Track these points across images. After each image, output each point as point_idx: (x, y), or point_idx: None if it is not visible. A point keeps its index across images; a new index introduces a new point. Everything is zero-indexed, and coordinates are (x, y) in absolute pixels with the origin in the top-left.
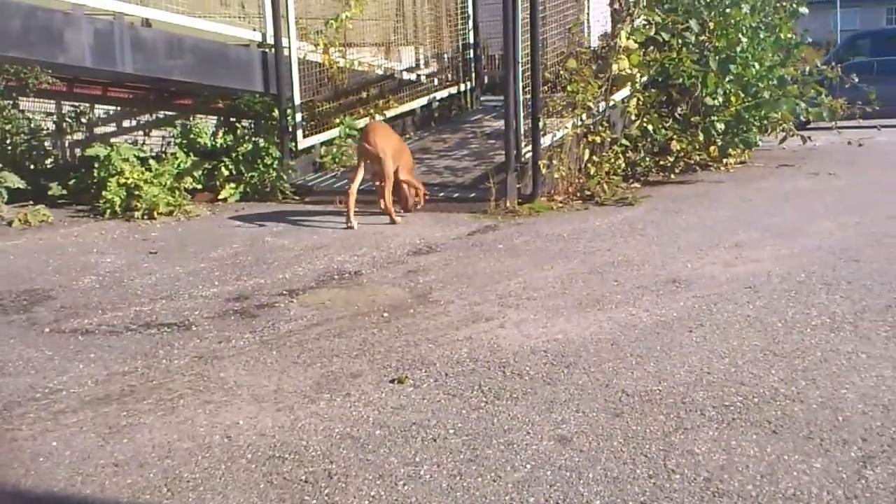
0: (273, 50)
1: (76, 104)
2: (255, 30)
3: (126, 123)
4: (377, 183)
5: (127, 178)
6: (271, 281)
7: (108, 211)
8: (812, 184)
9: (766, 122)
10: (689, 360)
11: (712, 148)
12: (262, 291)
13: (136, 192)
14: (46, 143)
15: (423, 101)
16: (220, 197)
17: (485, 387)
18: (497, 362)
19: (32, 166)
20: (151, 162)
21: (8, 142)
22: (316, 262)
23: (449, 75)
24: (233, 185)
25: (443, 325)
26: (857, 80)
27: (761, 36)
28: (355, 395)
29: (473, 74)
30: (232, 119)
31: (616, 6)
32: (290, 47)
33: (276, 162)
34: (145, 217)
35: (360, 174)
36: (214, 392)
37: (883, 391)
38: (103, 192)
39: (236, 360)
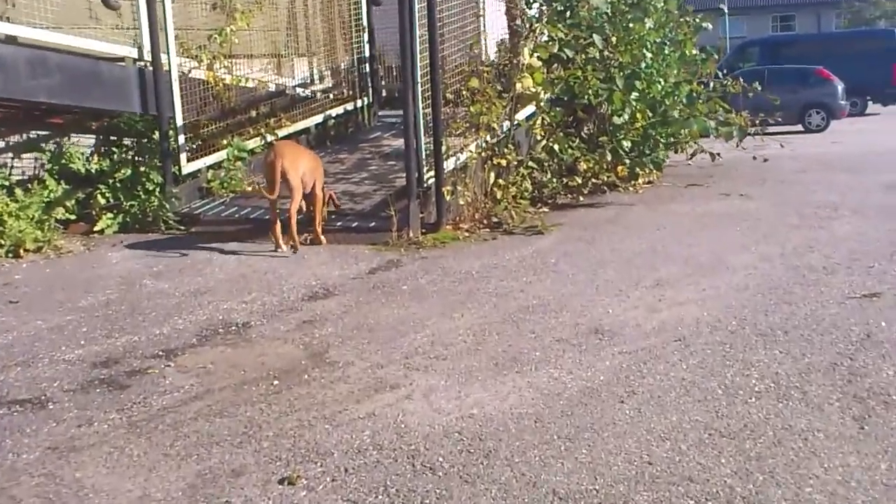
0: (151, 67)
1: None
2: (131, 45)
3: None
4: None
5: None
6: (146, 338)
7: None
8: (725, 206)
9: (673, 139)
10: (625, 443)
11: (620, 168)
12: (134, 353)
13: (1, 228)
14: None
15: (318, 118)
16: (96, 229)
17: (392, 487)
18: (405, 450)
19: None
20: (17, 191)
21: None
22: (199, 311)
23: (345, 90)
24: (110, 215)
25: (342, 397)
26: (760, 89)
27: (666, 52)
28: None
29: (370, 89)
30: (112, 139)
31: (518, 22)
32: (169, 63)
33: (157, 189)
34: (10, 255)
35: (275, 197)
36: (67, 502)
37: (854, 490)
38: None
39: (97, 451)
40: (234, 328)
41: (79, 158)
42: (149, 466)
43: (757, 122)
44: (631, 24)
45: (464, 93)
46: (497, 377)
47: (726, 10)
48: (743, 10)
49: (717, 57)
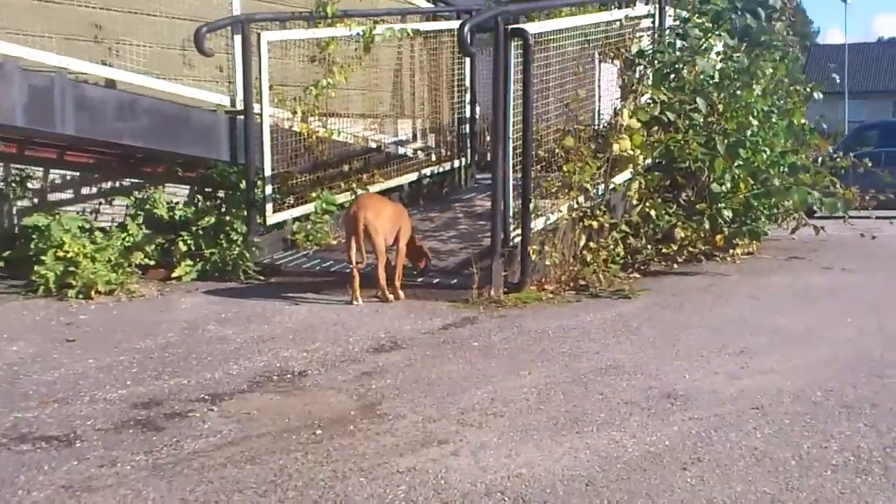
0: (243, 115)
1: (23, 168)
2: (224, 93)
3: (85, 190)
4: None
5: (66, 252)
6: (195, 382)
7: (42, 288)
8: (826, 280)
9: (775, 211)
10: None
11: (718, 237)
12: (179, 395)
13: (74, 268)
14: None
15: (412, 176)
16: (174, 275)
17: None
18: None
19: None
20: (98, 234)
21: None
22: (257, 357)
23: (442, 150)
24: (190, 262)
25: (384, 449)
26: (870, 164)
27: (773, 120)
28: None
29: (469, 150)
30: (207, 189)
31: (620, 83)
32: (261, 113)
33: (240, 238)
34: (80, 296)
35: (353, 248)
36: None
37: None
38: (36, 267)
39: (112, 493)
40: (288, 376)
41: (163, 205)
42: None
43: (867, 198)
44: (739, 91)
45: (558, 152)
46: (554, 437)
47: (837, 79)
48: (863, 95)
49: (829, 136)
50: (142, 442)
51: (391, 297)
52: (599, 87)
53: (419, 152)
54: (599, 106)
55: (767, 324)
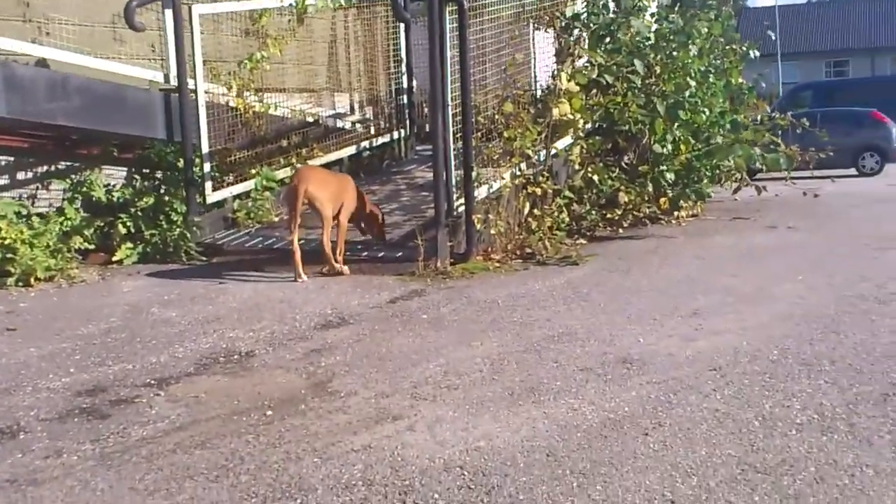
0: (177, 92)
1: None
2: (157, 69)
3: (20, 176)
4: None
5: (3, 238)
6: (140, 366)
7: None
8: (771, 239)
9: (718, 171)
10: (646, 479)
11: (663, 200)
12: (124, 382)
13: (11, 255)
14: None
15: (352, 149)
16: (115, 258)
17: None
18: (398, 486)
19: None
20: (35, 220)
21: None
22: (202, 339)
23: (381, 122)
24: (130, 244)
25: (337, 428)
26: (808, 124)
27: (711, 80)
28: None
29: (408, 122)
30: (145, 170)
31: (556, 46)
32: (196, 89)
33: (180, 218)
34: (19, 284)
35: (295, 223)
36: None
37: None
38: None
39: (59, 485)
40: (235, 357)
41: (100, 187)
42: (111, 502)
43: (807, 156)
44: (675, 52)
45: (498, 118)
46: (511, 408)
47: (773, 36)
48: (796, 56)
49: (765, 98)
50: (88, 431)
51: (340, 267)
52: (534, 52)
53: (357, 125)
54: (535, 72)
55: (717, 284)
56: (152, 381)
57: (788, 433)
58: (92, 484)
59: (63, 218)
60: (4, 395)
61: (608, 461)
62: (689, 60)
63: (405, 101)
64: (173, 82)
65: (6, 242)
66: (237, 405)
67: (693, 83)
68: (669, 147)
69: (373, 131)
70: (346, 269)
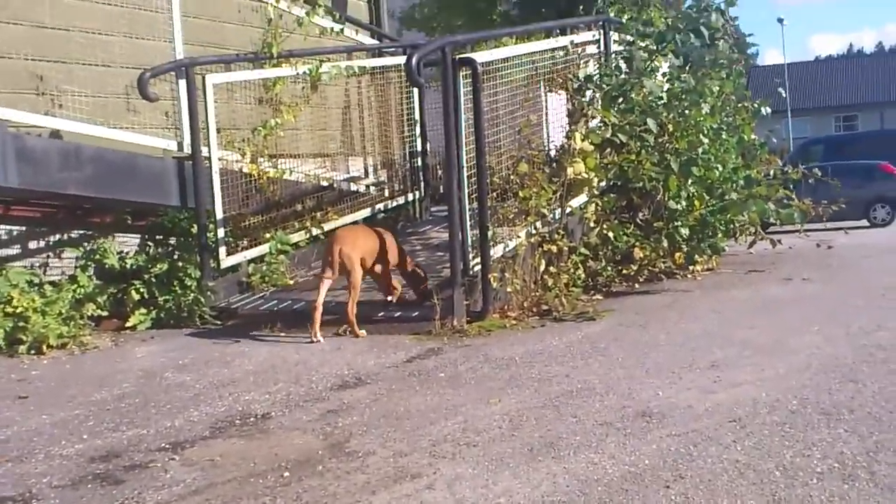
0: (191, 160)
1: None
2: (171, 137)
3: (32, 245)
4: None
5: (15, 307)
6: (155, 431)
7: None
8: (787, 291)
9: (732, 226)
10: None
11: (678, 255)
12: (139, 446)
13: (24, 323)
14: None
15: (366, 212)
16: (128, 324)
17: None
18: None
19: None
20: (47, 288)
21: None
22: (217, 402)
23: (396, 185)
24: (143, 310)
25: (356, 488)
26: (819, 174)
27: (723, 137)
28: None
29: (422, 183)
30: (158, 237)
31: (570, 107)
32: (210, 156)
33: (194, 283)
34: (31, 352)
35: (324, 286)
36: None
37: None
38: None
39: None
40: (251, 419)
41: (113, 254)
42: None
43: (820, 209)
44: (688, 110)
45: (513, 178)
46: (531, 464)
47: (783, 93)
48: (806, 112)
49: (776, 153)
50: (101, 497)
51: (360, 332)
52: (547, 113)
53: (372, 188)
54: (548, 132)
55: (734, 337)
56: (167, 446)
57: (809, 482)
58: None
59: (76, 285)
60: (17, 463)
61: None
62: (702, 118)
63: (419, 163)
64: (187, 150)
65: (18, 311)
66: (254, 467)
67: (706, 140)
68: (684, 203)
69: (387, 193)
70: (363, 332)
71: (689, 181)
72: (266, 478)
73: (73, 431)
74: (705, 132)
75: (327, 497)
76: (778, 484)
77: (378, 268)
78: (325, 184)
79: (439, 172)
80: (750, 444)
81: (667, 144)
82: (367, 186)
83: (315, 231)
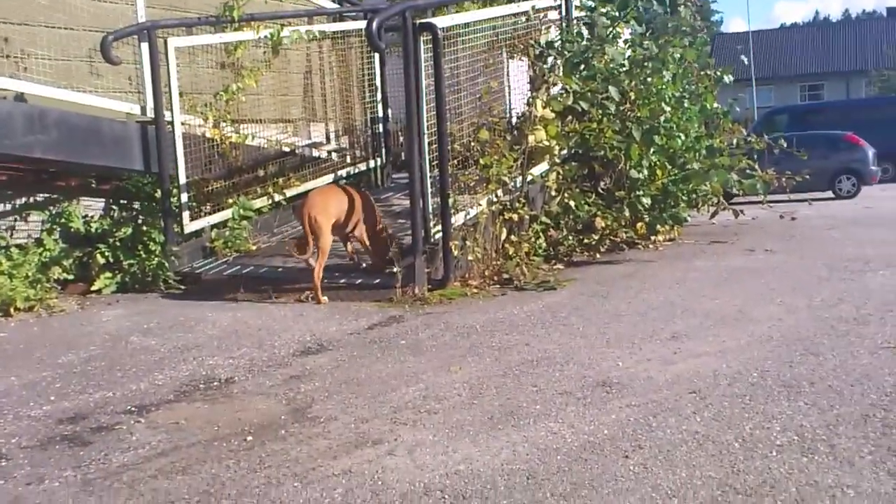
0: (154, 124)
1: None
2: (134, 101)
3: None
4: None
5: None
6: (121, 394)
7: None
8: (749, 261)
9: (694, 195)
10: (626, 501)
11: (639, 224)
12: (105, 409)
13: None
14: None
15: (328, 178)
16: (93, 288)
17: None
18: None
19: None
20: (14, 251)
21: None
22: (182, 367)
23: (357, 151)
24: (109, 274)
25: (318, 453)
26: (785, 146)
27: (685, 105)
28: None
29: (383, 150)
30: (122, 201)
31: (531, 73)
32: (173, 120)
33: (158, 248)
34: None
35: (309, 248)
36: None
37: None
38: None
39: None
40: (215, 384)
41: (78, 218)
42: None
43: (784, 180)
44: (650, 78)
45: (474, 146)
46: (490, 432)
47: (746, 61)
48: (770, 80)
49: (740, 122)
50: (69, 457)
51: (323, 299)
52: (509, 80)
53: (333, 154)
54: (510, 99)
55: (696, 307)
56: (133, 409)
57: (769, 455)
58: None
59: (42, 249)
60: None
61: (588, 483)
62: (664, 86)
63: (381, 129)
64: (150, 114)
65: None
66: (217, 431)
67: (668, 108)
68: (645, 172)
69: (349, 160)
70: (325, 299)
71: (651, 150)
72: (230, 441)
73: (41, 393)
74: (667, 100)
75: (290, 461)
76: (737, 455)
77: (355, 230)
78: (286, 150)
79: (400, 139)
80: (709, 416)
81: (628, 113)
82: (329, 153)
83: (277, 197)
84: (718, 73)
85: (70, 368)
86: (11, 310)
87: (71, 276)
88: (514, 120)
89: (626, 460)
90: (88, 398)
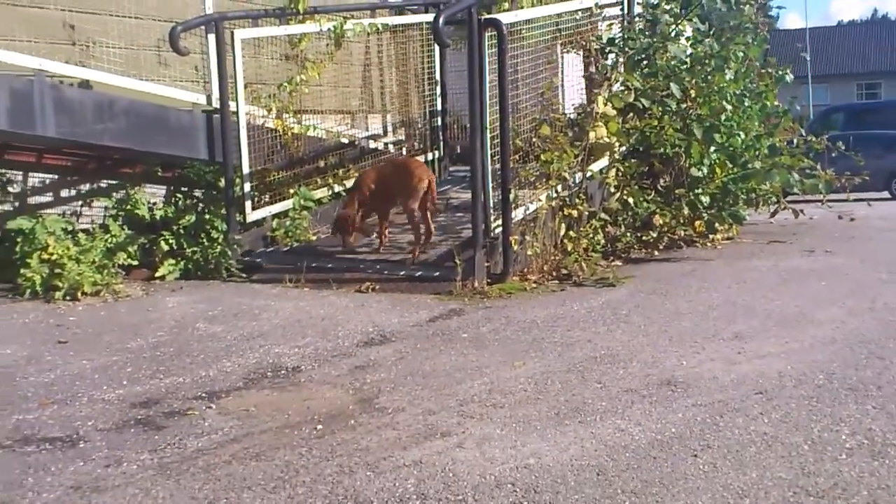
0: (219, 114)
1: (3, 172)
2: (201, 91)
3: (65, 193)
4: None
5: (51, 254)
6: (191, 380)
7: (28, 291)
8: (810, 262)
9: (754, 194)
10: (698, 499)
11: (698, 222)
12: (176, 394)
13: (60, 270)
14: None
15: None
16: (157, 274)
17: None
18: (452, 500)
19: None
20: (81, 236)
21: None
22: (249, 354)
23: (415, 143)
24: (172, 261)
25: (388, 443)
26: (843, 147)
27: (746, 103)
28: None
29: (441, 143)
30: (184, 189)
31: (592, 69)
32: (238, 111)
33: (221, 236)
34: (67, 298)
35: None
36: None
37: None
38: (22, 270)
39: (121, 493)
40: (283, 372)
41: (143, 205)
42: None
43: (843, 180)
44: (711, 75)
45: (535, 141)
46: (558, 427)
47: (808, 57)
48: (826, 78)
49: (797, 120)
50: (145, 441)
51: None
52: (563, 76)
53: (391, 146)
54: (564, 95)
55: (757, 307)
56: (203, 395)
57: (839, 458)
58: (153, 492)
59: (108, 235)
60: (62, 406)
61: (659, 481)
62: (725, 84)
63: (439, 122)
64: (215, 104)
65: (53, 258)
66: (288, 419)
67: (729, 106)
68: (705, 170)
69: (407, 153)
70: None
71: (712, 148)
72: (300, 429)
73: (112, 377)
74: (728, 98)
75: (360, 451)
76: (807, 457)
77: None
78: (346, 141)
79: (457, 132)
80: (777, 417)
81: (689, 110)
82: (388, 144)
83: (337, 188)
84: (780, 72)
85: (139, 353)
86: (79, 294)
87: (135, 262)
88: (571, 115)
89: (696, 459)
90: (159, 383)
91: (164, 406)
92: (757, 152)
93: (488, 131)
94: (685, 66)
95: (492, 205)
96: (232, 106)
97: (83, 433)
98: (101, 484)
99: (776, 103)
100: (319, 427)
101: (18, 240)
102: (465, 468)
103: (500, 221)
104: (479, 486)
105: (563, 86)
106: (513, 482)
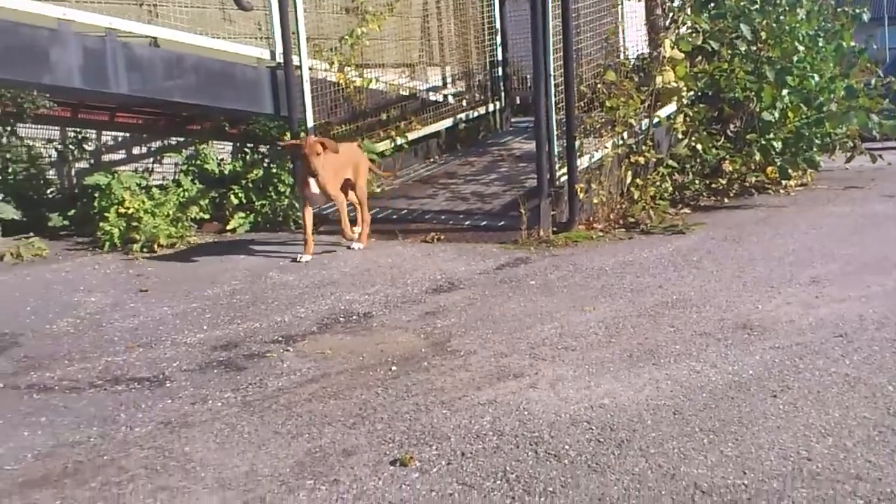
0: (283, 69)
1: (80, 130)
2: (264, 47)
3: (136, 150)
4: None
5: (127, 208)
6: (267, 325)
7: (108, 243)
8: (889, 208)
9: (828, 139)
10: (779, 438)
11: (770, 169)
12: (254, 338)
13: (136, 224)
14: (50, 172)
15: (448, 122)
16: (228, 227)
17: (511, 473)
18: (528, 437)
19: (34, 196)
20: (155, 191)
21: (9, 170)
22: (321, 301)
23: (476, 95)
24: (242, 214)
25: (461, 384)
26: None
27: (820, 44)
28: (345, 483)
29: (503, 93)
30: (249, 145)
31: (658, 12)
32: (301, 65)
33: (288, 189)
34: (144, 250)
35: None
36: (173, 474)
37: None
38: (101, 224)
39: (208, 428)
40: (354, 317)
41: (213, 160)
42: (258, 443)
43: None
44: (782, 16)
45: (599, 87)
46: (631, 369)
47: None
48: None
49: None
50: (227, 381)
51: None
52: (622, 21)
53: (452, 98)
54: (624, 40)
55: (835, 253)
56: (279, 339)
57: None
58: (238, 427)
59: (181, 189)
60: (147, 349)
61: (737, 420)
62: (798, 24)
63: (500, 73)
64: (279, 59)
65: (130, 212)
66: (362, 361)
67: (801, 48)
68: (777, 114)
69: (468, 103)
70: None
71: (784, 91)
72: (375, 371)
73: (192, 323)
74: (801, 39)
75: (435, 391)
76: (892, 398)
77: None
78: (406, 93)
79: (518, 82)
80: (859, 359)
81: (760, 52)
82: (448, 96)
83: (399, 140)
84: (856, 10)
85: (216, 301)
86: (156, 246)
87: (206, 216)
88: (633, 61)
89: (775, 399)
90: (238, 328)
91: (244, 349)
92: (832, 94)
93: (553, 78)
94: (755, 6)
95: (556, 153)
96: (295, 60)
97: (169, 373)
98: (189, 419)
99: (852, 43)
100: (394, 368)
101: (96, 195)
102: (539, 407)
103: (564, 170)
104: (555, 423)
105: (622, 32)
106: (588, 420)
